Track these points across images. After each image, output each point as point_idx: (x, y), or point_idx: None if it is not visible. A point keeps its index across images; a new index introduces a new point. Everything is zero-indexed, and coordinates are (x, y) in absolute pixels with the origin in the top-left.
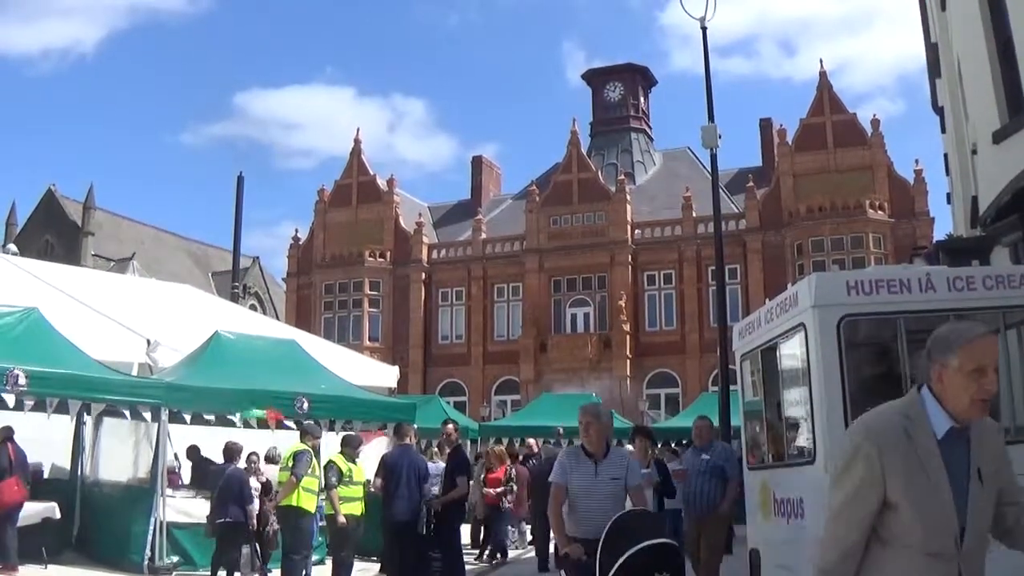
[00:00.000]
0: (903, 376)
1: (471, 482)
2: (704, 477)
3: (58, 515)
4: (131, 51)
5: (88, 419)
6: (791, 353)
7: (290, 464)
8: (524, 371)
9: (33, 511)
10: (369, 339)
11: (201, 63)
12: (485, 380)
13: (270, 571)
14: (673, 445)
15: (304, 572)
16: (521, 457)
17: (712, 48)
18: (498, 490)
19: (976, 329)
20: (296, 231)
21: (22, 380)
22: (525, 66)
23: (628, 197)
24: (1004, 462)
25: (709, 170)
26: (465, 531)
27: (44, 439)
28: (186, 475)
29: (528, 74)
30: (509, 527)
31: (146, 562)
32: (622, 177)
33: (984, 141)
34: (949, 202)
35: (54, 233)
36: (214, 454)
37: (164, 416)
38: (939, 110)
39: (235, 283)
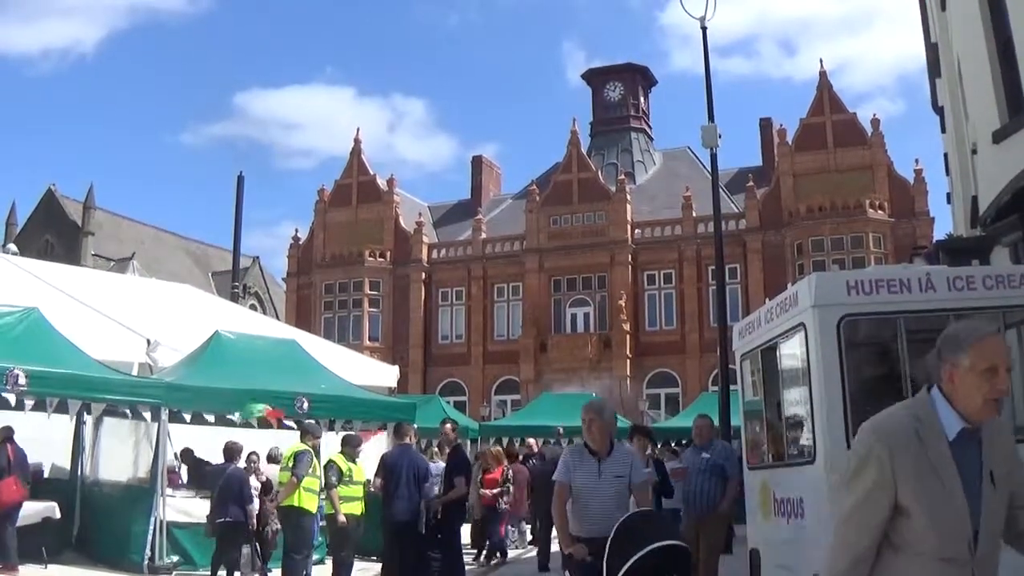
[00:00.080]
0: (903, 376)
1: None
2: (704, 476)
3: (58, 515)
4: (131, 51)
5: (88, 419)
6: (791, 353)
7: (291, 464)
8: (524, 371)
9: (33, 511)
10: (369, 339)
11: (201, 63)
12: (485, 380)
13: (270, 571)
14: (673, 445)
15: (305, 572)
16: (521, 457)
17: (712, 48)
18: (495, 491)
19: (988, 327)
20: (296, 231)
21: (22, 380)
22: (525, 66)
23: (628, 197)
24: (1016, 463)
25: (709, 170)
26: (465, 531)
27: (44, 439)
28: (185, 475)
29: (528, 74)
30: (509, 527)
31: (146, 562)
32: (622, 177)
33: (984, 141)
34: (949, 202)
35: (54, 233)
36: (214, 454)
37: (164, 416)
38: (939, 110)
39: (235, 283)
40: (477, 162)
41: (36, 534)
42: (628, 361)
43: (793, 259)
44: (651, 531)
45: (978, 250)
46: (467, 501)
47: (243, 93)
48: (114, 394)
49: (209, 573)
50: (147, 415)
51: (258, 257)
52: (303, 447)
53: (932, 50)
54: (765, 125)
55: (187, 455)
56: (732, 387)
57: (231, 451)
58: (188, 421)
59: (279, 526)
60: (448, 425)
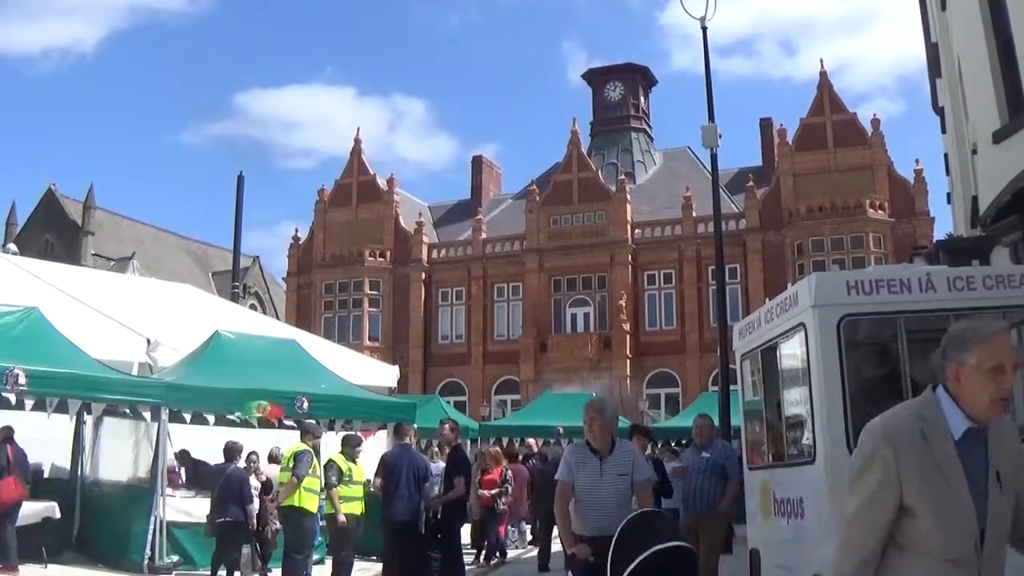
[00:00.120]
0: (903, 376)
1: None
2: (704, 475)
3: (58, 515)
4: (131, 51)
5: (88, 419)
6: (791, 353)
7: (291, 465)
8: (524, 371)
9: (33, 511)
10: (369, 339)
11: (201, 63)
12: (485, 380)
13: (270, 571)
14: (673, 445)
15: (305, 572)
16: (521, 457)
17: (712, 48)
18: (493, 492)
19: (994, 325)
20: (296, 231)
21: (22, 379)
22: (525, 66)
23: (628, 197)
24: (1023, 463)
25: (709, 170)
26: (465, 531)
27: (44, 439)
28: (184, 476)
29: (528, 74)
30: (509, 527)
31: (146, 561)
32: (622, 177)
33: (984, 141)
34: (949, 202)
35: (54, 233)
36: (214, 454)
37: (164, 416)
38: (939, 110)
39: (235, 283)
40: (477, 162)
41: (36, 534)
42: (628, 361)
43: (793, 259)
44: (656, 532)
45: (978, 250)
46: (467, 501)
47: (243, 93)
48: (114, 394)
49: (209, 573)
50: (147, 415)
51: (258, 257)
52: (303, 447)
53: (932, 50)
54: (765, 125)
55: (184, 456)
56: (732, 387)
57: (231, 451)
58: (188, 421)
59: (279, 526)
60: (447, 425)
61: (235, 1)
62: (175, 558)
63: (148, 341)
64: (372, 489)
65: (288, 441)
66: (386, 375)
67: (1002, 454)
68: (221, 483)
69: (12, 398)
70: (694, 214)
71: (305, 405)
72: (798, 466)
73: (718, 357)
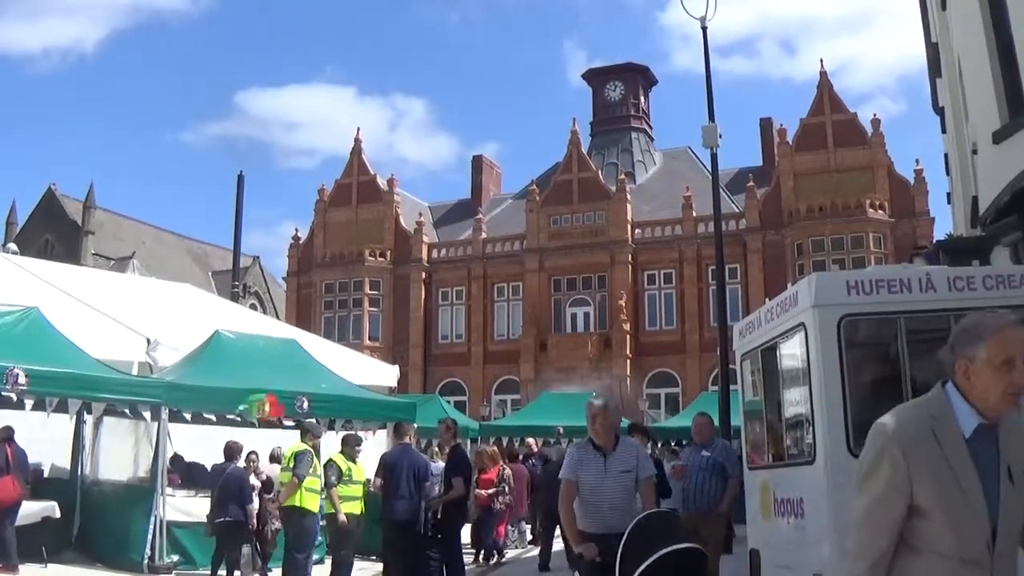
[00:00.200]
0: (903, 376)
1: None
2: (705, 474)
3: (58, 514)
4: (132, 50)
5: (88, 418)
6: (791, 353)
7: (291, 465)
8: (524, 370)
9: (33, 510)
10: (369, 338)
11: (202, 62)
12: (485, 379)
13: (270, 570)
14: (673, 444)
15: (305, 571)
16: (521, 456)
17: (713, 48)
18: (489, 491)
19: (1004, 319)
20: (296, 230)
21: (22, 379)
22: (525, 66)
23: (628, 197)
24: None
25: (709, 170)
26: (465, 531)
27: (44, 438)
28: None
29: (528, 74)
30: (509, 527)
31: (146, 561)
32: (622, 177)
33: (984, 141)
34: (949, 202)
35: (54, 232)
36: (215, 454)
37: (164, 415)
38: (939, 110)
39: (235, 282)
40: (477, 162)
41: (36, 533)
42: (628, 361)
43: (793, 259)
44: (667, 533)
45: (978, 250)
46: (468, 501)
47: (244, 92)
48: (114, 393)
49: (209, 573)
50: (147, 414)
51: (258, 256)
52: (303, 447)
53: (932, 50)
54: (765, 125)
55: (177, 461)
56: (732, 387)
57: (231, 451)
58: (188, 420)
59: (279, 525)
60: (443, 424)
61: (236, 1)
62: (175, 558)
63: (148, 341)
64: (372, 489)
65: (289, 441)
66: (386, 375)
67: (1013, 450)
68: (221, 483)
69: (13, 396)
70: (694, 214)
71: (305, 405)
72: (798, 466)
73: (718, 357)
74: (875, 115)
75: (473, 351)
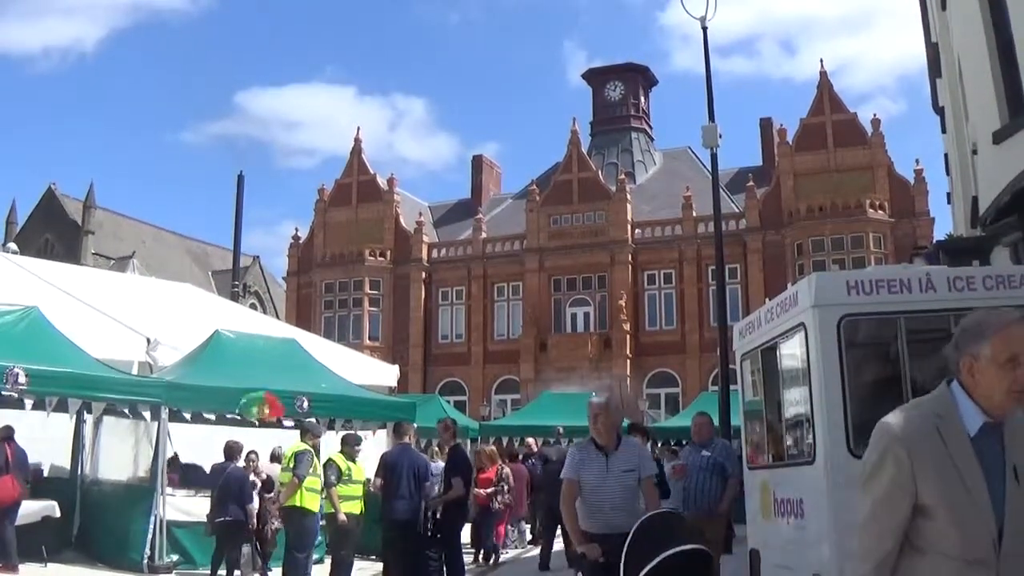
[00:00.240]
0: (903, 376)
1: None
2: (705, 474)
3: (58, 513)
4: (132, 50)
5: (88, 418)
6: (791, 353)
7: (291, 465)
8: (524, 370)
9: (33, 509)
10: (369, 338)
11: (202, 62)
12: (485, 379)
13: (270, 570)
14: (672, 444)
15: (306, 571)
16: (521, 456)
17: (713, 48)
18: (488, 490)
19: (1008, 316)
20: (296, 230)
21: (22, 378)
22: (526, 65)
23: (628, 196)
24: None
25: (709, 170)
26: (465, 531)
27: (44, 438)
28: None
29: (529, 73)
30: (509, 526)
31: (146, 560)
32: (622, 176)
33: (984, 141)
34: (949, 202)
35: (54, 232)
36: (215, 454)
37: (164, 415)
38: (939, 110)
39: (235, 282)
40: (477, 161)
41: (36, 533)
42: (628, 361)
43: (793, 259)
44: (672, 534)
45: (978, 250)
46: (468, 501)
47: (244, 92)
48: (114, 393)
49: (209, 572)
50: (147, 414)
51: (258, 256)
52: (303, 447)
53: (932, 50)
54: (765, 125)
55: (174, 463)
56: (732, 387)
57: (231, 450)
58: (188, 420)
59: (278, 525)
60: (442, 423)
61: (236, 0)
62: (175, 557)
63: (148, 340)
64: (372, 489)
65: (289, 441)
66: (386, 374)
67: (1019, 449)
68: (221, 482)
69: (14, 395)
70: (694, 214)
71: (305, 404)
72: (798, 466)
73: (718, 357)
74: (875, 115)
75: (473, 351)
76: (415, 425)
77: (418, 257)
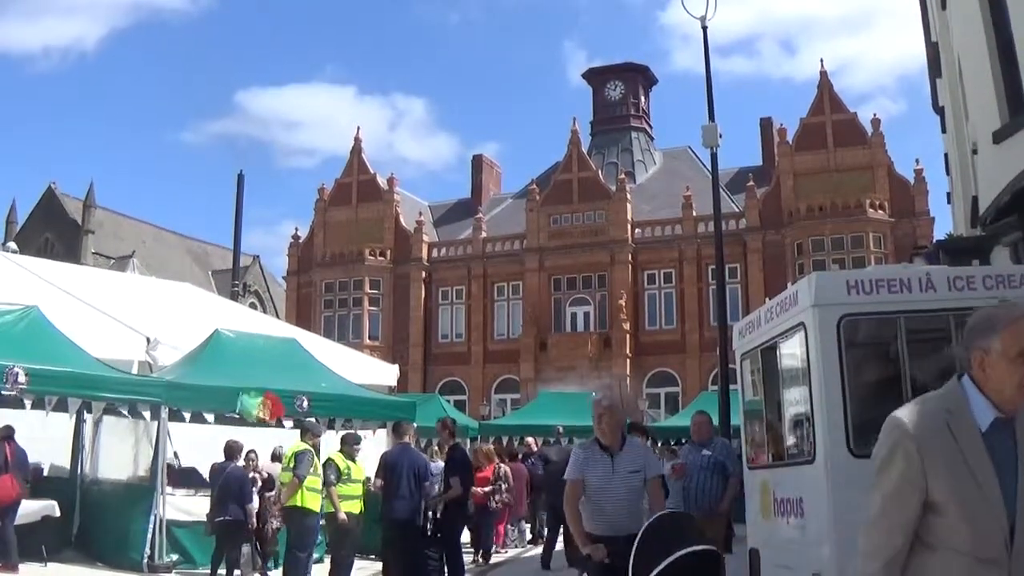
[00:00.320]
0: (903, 376)
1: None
2: (706, 473)
3: (58, 513)
4: (132, 49)
5: (88, 417)
6: (791, 352)
7: (291, 465)
8: (524, 370)
9: (33, 509)
10: (369, 338)
11: (202, 61)
12: (485, 379)
13: (270, 569)
14: (672, 444)
15: (306, 570)
16: (521, 455)
17: (713, 47)
18: (486, 489)
19: (1019, 310)
20: (296, 229)
21: (22, 378)
22: (526, 65)
23: (628, 196)
24: None
25: (709, 169)
26: (464, 531)
27: (44, 437)
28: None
29: (529, 73)
30: (509, 526)
31: (146, 560)
32: (622, 176)
33: (984, 141)
34: (949, 202)
35: (54, 231)
36: (215, 453)
37: (164, 414)
38: (939, 110)
39: (235, 281)
40: (477, 161)
41: (36, 532)
42: (628, 360)
43: (793, 259)
44: (681, 534)
45: (978, 250)
46: (468, 500)
47: (244, 91)
48: (114, 392)
49: (209, 572)
50: (147, 414)
51: (258, 256)
52: (304, 446)
53: (932, 49)
54: (765, 125)
55: (171, 469)
56: (732, 386)
57: (231, 450)
58: (188, 420)
59: (279, 524)
60: (440, 423)
61: (236, 0)
62: (175, 557)
63: (148, 340)
64: (373, 488)
65: (289, 440)
66: (386, 374)
67: None
68: (221, 482)
69: (14, 393)
70: (694, 213)
71: (305, 404)
72: (798, 466)
73: (718, 356)
74: (875, 115)
75: (473, 350)
76: (415, 425)
77: (418, 257)
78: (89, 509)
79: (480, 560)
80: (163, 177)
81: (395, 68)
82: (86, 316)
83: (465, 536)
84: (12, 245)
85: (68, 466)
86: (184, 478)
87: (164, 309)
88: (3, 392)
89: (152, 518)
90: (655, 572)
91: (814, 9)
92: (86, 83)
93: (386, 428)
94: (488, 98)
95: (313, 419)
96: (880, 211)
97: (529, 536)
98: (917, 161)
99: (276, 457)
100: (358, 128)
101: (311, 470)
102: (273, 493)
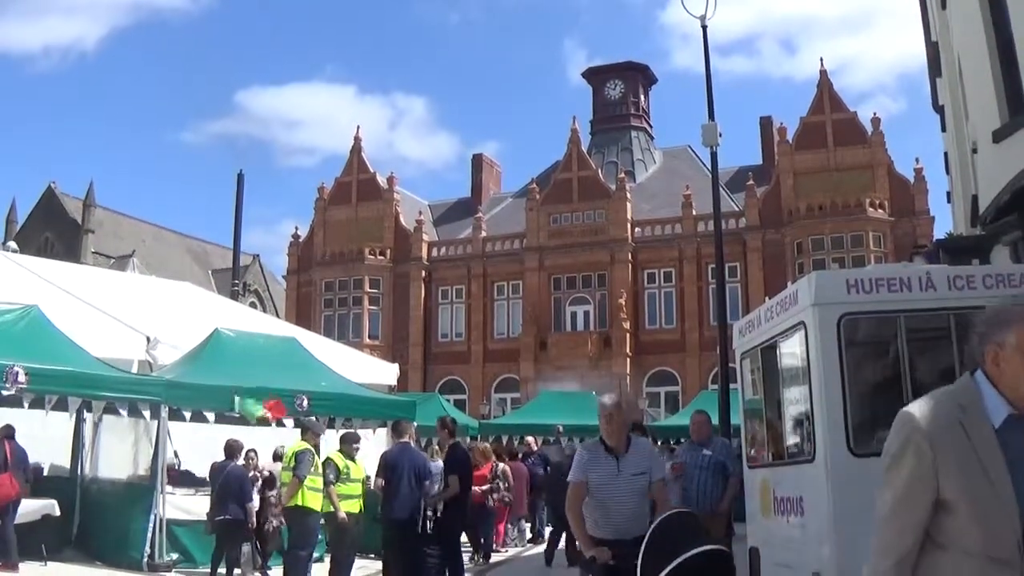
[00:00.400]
0: (903, 375)
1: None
2: (707, 473)
3: (58, 512)
4: (132, 48)
5: (88, 417)
6: (791, 351)
7: (292, 464)
8: (524, 369)
9: (33, 508)
10: (369, 337)
11: (202, 61)
12: (485, 378)
13: (270, 569)
14: (672, 443)
15: (306, 570)
16: (521, 455)
17: (713, 47)
18: (483, 488)
19: None
20: (296, 228)
21: (22, 377)
22: (526, 64)
23: (628, 195)
24: None
25: (709, 168)
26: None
27: (44, 436)
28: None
29: (529, 72)
30: (509, 525)
31: (146, 559)
32: (622, 175)
33: (984, 140)
34: (949, 201)
35: (54, 230)
36: (215, 452)
37: (164, 413)
38: (939, 109)
39: (235, 280)
40: (477, 160)
41: (36, 531)
42: (628, 359)
43: (793, 258)
44: (690, 534)
45: (978, 249)
46: (467, 499)
47: (244, 91)
48: (114, 392)
49: (209, 571)
50: (147, 413)
51: (258, 255)
52: (304, 446)
53: (932, 49)
54: (765, 124)
55: (171, 471)
56: (732, 386)
57: (231, 449)
58: (188, 419)
59: (278, 523)
60: (439, 422)
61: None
62: (175, 556)
63: (148, 339)
64: (373, 488)
65: (290, 440)
66: (386, 373)
67: None
68: (221, 481)
69: (13, 392)
70: (694, 213)
71: (305, 403)
72: (798, 465)
73: (718, 356)
74: (875, 114)
75: (473, 349)
76: (415, 424)
77: (418, 256)
78: (89, 508)
79: (480, 559)
80: (163, 177)
81: (395, 67)
82: (86, 315)
83: (464, 536)
84: (12, 244)
85: (68, 465)
86: (184, 478)
87: (164, 308)
88: (3, 391)
89: (152, 517)
90: (667, 570)
91: (814, 8)
92: (86, 83)
93: (386, 427)
94: (488, 97)
95: (313, 418)
96: (880, 210)
97: (529, 535)
98: (917, 160)
99: (277, 456)
100: (358, 127)
101: (312, 469)
102: (274, 492)
